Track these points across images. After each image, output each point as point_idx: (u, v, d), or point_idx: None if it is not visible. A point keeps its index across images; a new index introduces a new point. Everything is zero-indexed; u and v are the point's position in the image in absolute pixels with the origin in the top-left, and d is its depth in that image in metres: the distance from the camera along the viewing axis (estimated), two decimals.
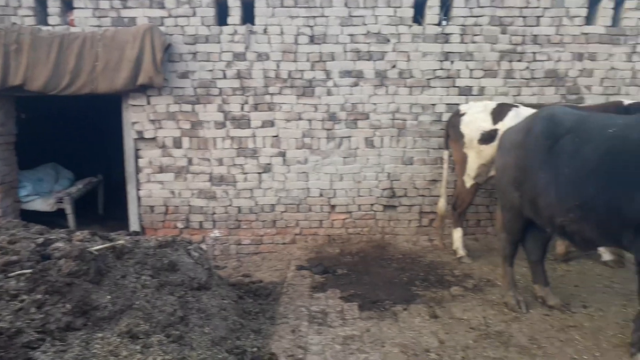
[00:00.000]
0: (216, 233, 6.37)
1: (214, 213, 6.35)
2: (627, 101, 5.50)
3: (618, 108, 5.23)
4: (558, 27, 6.08)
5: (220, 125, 6.19)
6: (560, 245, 5.72)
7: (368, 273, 5.44)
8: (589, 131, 3.75)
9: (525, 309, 4.43)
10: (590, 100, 6.17)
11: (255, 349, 3.65)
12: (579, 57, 6.16)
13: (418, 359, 3.65)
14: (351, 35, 6.05)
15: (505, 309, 4.48)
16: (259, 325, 4.15)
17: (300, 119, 6.22)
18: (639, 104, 5.34)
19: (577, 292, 4.88)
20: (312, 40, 6.07)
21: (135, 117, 6.16)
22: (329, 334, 4.04)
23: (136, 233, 4.89)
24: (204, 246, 5.96)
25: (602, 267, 5.53)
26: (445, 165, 5.91)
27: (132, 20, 6.01)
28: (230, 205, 6.35)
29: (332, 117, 6.22)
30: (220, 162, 6.26)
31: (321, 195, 6.39)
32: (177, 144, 6.23)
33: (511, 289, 4.57)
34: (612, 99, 6.01)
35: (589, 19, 6.13)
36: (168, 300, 3.56)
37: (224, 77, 6.11)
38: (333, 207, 6.42)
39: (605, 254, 5.60)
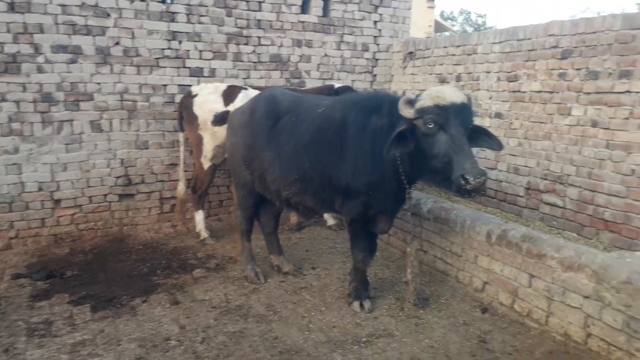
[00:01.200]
0: None
1: None
2: (337, 84, 6.33)
3: (330, 90, 5.99)
4: (278, 14, 6.49)
5: None
6: (293, 217, 6.26)
7: (104, 270, 5.00)
8: (303, 111, 4.14)
9: (263, 279, 4.71)
10: (310, 83, 6.82)
11: None
12: (298, 43, 6.72)
13: (157, 350, 3.51)
14: (63, 5, 5.30)
15: (245, 283, 4.69)
16: None
17: (4, 100, 5.22)
18: (346, 87, 6.22)
19: (308, 256, 5.43)
20: (12, 8, 5.11)
21: None
22: (54, 345, 3.57)
23: None
24: None
25: (328, 232, 6.28)
26: (182, 148, 5.79)
27: None
28: None
29: (47, 98, 5.40)
30: None
31: (41, 189, 5.53)
32: None
33: (249, 263, 4.79)
34: (327, 82, 6.79)
35: (304, 8, 6.70)
36: None
37: None
38: (57, 201, 5.64)
39: (330, 219, 6.36)
